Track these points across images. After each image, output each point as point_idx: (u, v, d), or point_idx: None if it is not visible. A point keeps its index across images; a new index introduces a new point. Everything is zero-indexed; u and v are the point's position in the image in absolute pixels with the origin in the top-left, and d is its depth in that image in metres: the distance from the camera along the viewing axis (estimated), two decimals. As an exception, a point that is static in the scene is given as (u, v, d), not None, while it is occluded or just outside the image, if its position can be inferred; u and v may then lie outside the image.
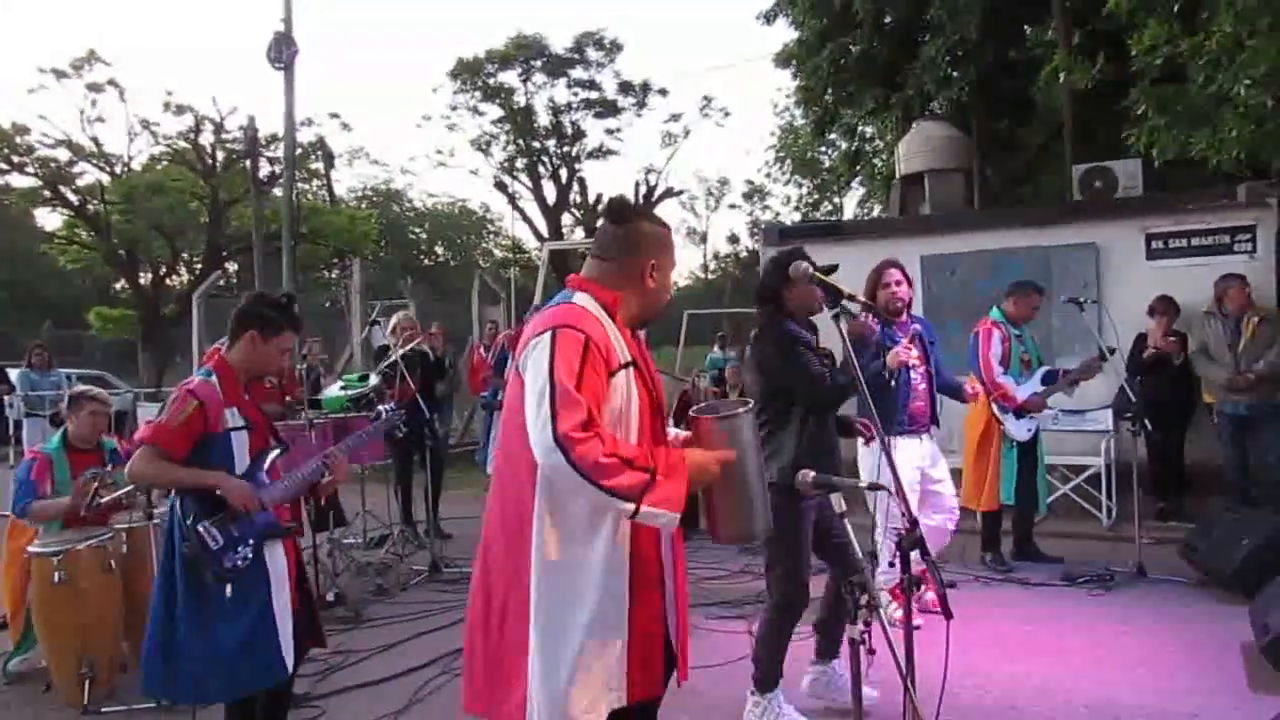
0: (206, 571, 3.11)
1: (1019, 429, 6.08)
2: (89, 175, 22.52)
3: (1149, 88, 8.19)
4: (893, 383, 4.52)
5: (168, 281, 24.83)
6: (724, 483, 2.36)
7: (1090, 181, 9.06)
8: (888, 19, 14.56)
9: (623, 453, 2.17)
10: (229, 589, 3.14)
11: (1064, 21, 12.16)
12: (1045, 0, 12.59)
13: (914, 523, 2.51)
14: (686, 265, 48.09)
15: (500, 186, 32.76)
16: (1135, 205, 8.34)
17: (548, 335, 2.26)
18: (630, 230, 2.50)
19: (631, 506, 2.16)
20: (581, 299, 2.40)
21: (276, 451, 3.41)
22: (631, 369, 2.33)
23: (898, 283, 4.97)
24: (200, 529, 3.14)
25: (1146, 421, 6.04)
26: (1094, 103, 12.07)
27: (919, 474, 5.09)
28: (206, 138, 22.63)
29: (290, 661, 3.26)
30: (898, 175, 12.30)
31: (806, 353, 3.81)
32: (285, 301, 3.51)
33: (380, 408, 4.86)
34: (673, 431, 2.62)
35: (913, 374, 4.91)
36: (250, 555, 3.18)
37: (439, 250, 41.53)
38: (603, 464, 2.12)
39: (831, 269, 4.04)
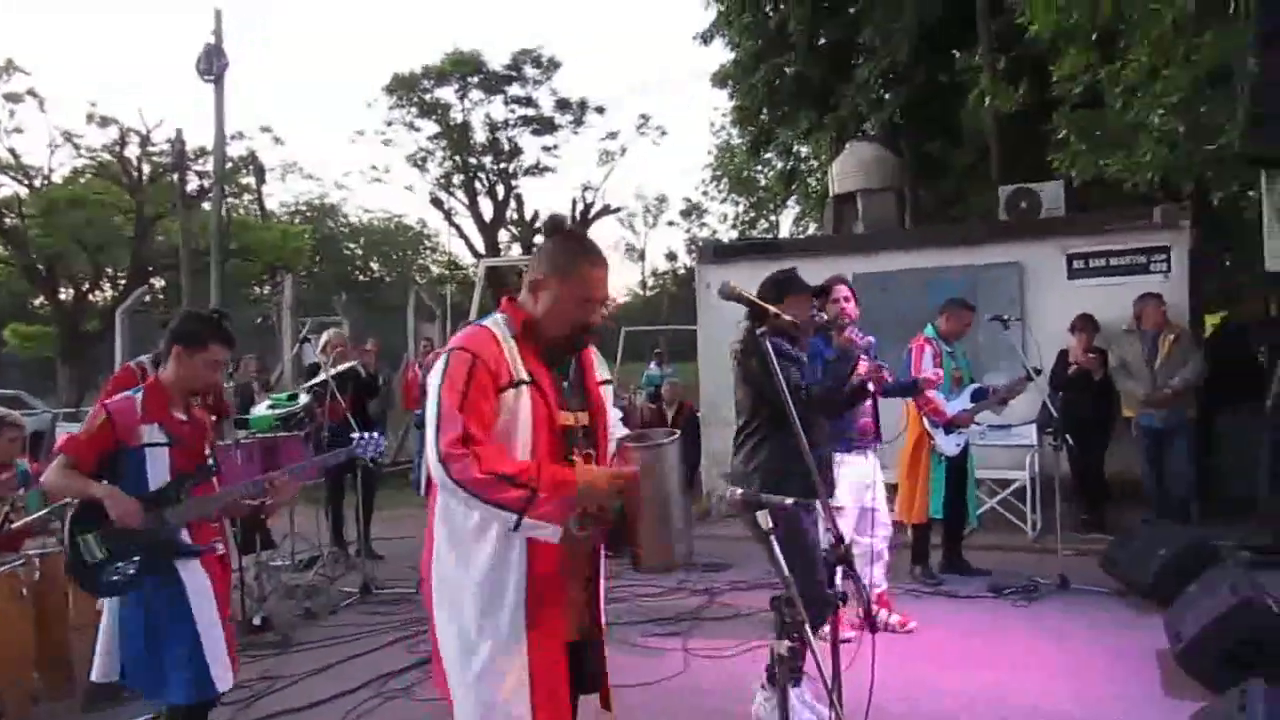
0: (77, 582, 3.11)
1: (948, 444, 6.19)
2: (6, 188, 21.91)
3: (1069, 113, 8.46)
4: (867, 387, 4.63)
5: (90, 297, 24.16)
6: (645, 510, 2.39)
7: (1016, 203, 9.31)
8: (821, 41, 14.83)
9: (501, 469, 2.23)
10: (121, 602, 3.18)
11: (990, 48, 12.51)
12: (972, 26, 12.95)
13: (840, 539, 2.54)
14: (625, 282, 48.24)
15: (436, 203, 32.58)
16: (1057, 226, 8.57)
17: (444, 357, 2.37)
18: (538, 250, 2.56)
19: (513, 519, 2.22)
20: (492, 320, 2.47)
21: (206, 471, 3.39)
22: (526, 387, 2.36)
23: (846, 299, 5.05)
24: (79, 541, 3.16)
25: (1068, 436, 6.20)
26: (1019, 126, 12.42)
27: (860, 491, 5.16)
28: (132, 151, 22.16)
29: (223, 677, 3.22)
30: (832, 194, 12.51)
31: (788, 365, 3.88)
32: (213, 317, 3.50)
33: (356, 435, 4.71)
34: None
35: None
36: (133, 572, 3.16)
37: (374, 266, 41.05)
38: (479, 479, 2.21)
39: (821, 290, 4.18)
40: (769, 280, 4.22)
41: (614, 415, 2.67)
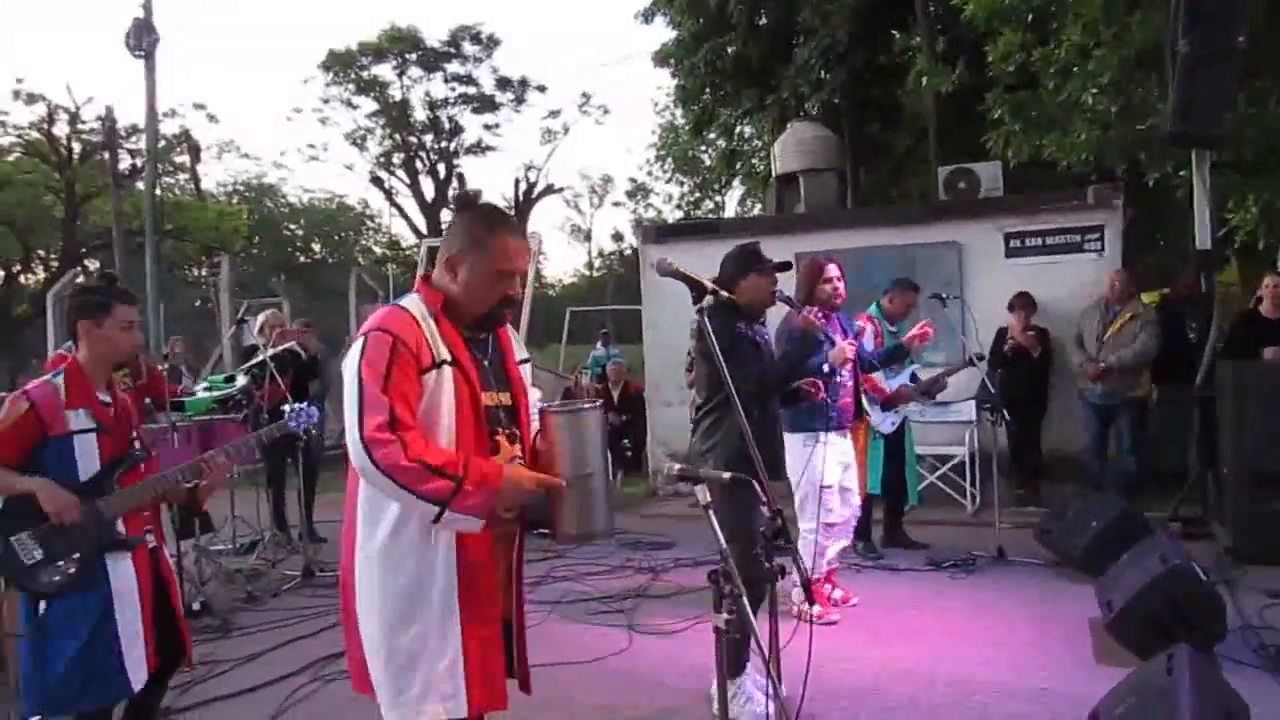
0: (19, 587, 2.97)
1: (883, 421, 6.28)
2: (-73, 166, 21.11)
3: (1004, 94, 8.59)
4: (835, 377, 4.69)
5: (20, 280, 23.44)
6: (564, 479, 2.36)
7: (954, 183, 9.43)
8: (762, 21, 14.86)
9: (428, 459, 2.17)
10: (44, 605, 3.00)
11: (927, 29, 12.64)
12: (910, 7, 13.07)
13: (777, 513, 2.57)
14: (570, 263, 48.06)
15: (377, 181, 32.24)
16: (994, 206, 8.72)
17: (360, 340, 2.29)
18: (450, 226, 2.51)
19: (435, 510, 2.18)
20: (408, 300, 2.41)
21: (133, 458, 3.25)
22: (448, 367, 2.31)
23: (839, 278, 5.08)
24: (14, 541, 2.99)
25: (1005, 412, 6.33)
26: (957, 107, 12.59)
27: (843, 469, 5.21)
28: (61, 128, 21.44)
29: (138, 678, 3.10)
30: (774, 175, 12.56)
31: (743, 344, 3.89)
32: (104, 280, 3.39)
33: (287, 407, 4.60)
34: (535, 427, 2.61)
35: (841, 370, 4.97)
36: (74, 570, 3.01)
37: (315, 247, 40.38)
38: (404, 467, 2.15)
39: (785, 265, 4.15)
40: (729, 255, 4.13)
41: (534, 395, 2.63)
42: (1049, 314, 7.89)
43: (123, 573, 3.11)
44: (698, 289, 2.73)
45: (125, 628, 3.07)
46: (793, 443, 4.82)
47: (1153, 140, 7.81)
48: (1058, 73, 7.75)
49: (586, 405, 2.46)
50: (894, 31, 14.61)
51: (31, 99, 21.08)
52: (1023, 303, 7.79)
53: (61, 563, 3.01)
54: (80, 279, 16.36)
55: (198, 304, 21.53)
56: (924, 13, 12.56)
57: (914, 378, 6.43)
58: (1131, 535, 5.28)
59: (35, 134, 21.63)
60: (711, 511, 2.32)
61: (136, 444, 3.30)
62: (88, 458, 3.09)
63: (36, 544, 3.00)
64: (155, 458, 3.48)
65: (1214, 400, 6.59)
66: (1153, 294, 9.52)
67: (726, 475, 2.53)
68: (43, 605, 3.01)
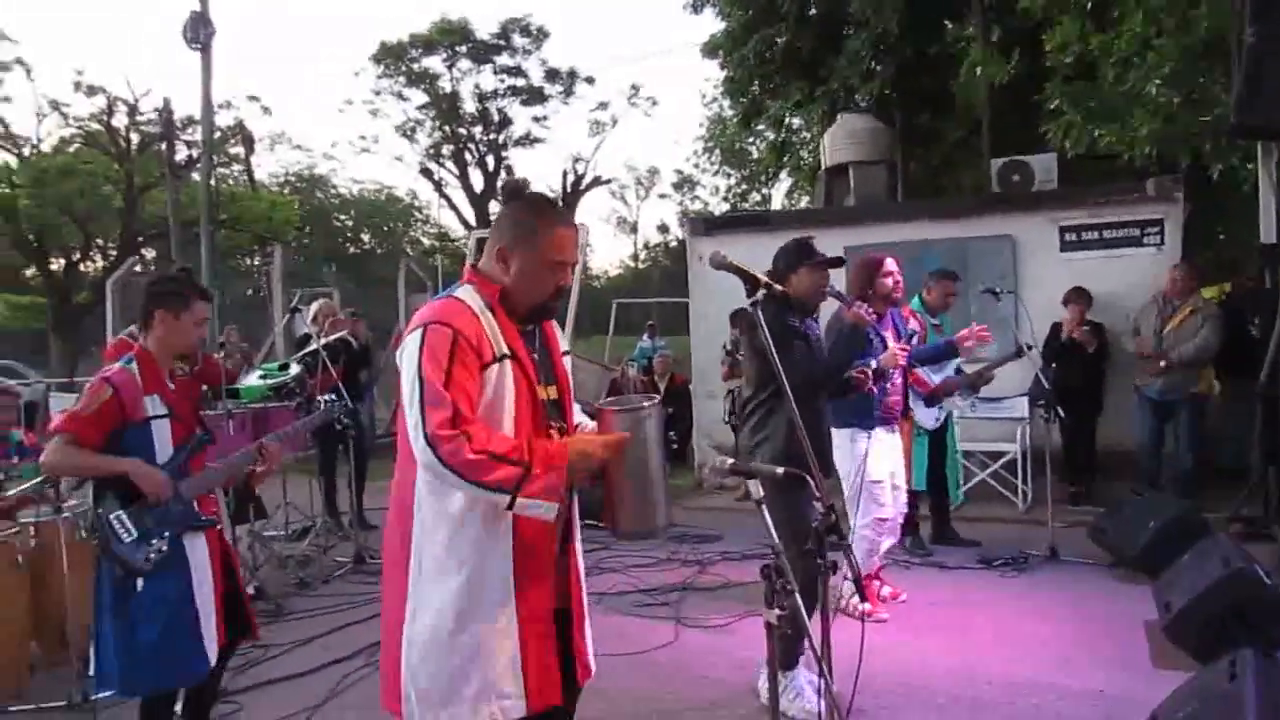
0: (117, 564, 3.04)
1: (927, 417, 6.19)
2: (-5, 158, 21.69)
3: (1062, 84, 8.42)
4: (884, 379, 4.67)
5: (81, 268, 24.00)
6: (624, 476, 2.35)
7: (1008, 175, 9.26)
8: (812, 12, 14.72)
9: (494, 448, 2.15)
10: (141, 583, 3.08)
11: (982, 18, 12.44)
12: (963, -4, 12.89)
13: (830, 509, 2.54)
14: (616, 254, 48.06)
15: (426, 173, 32.50)
16: (1049, 198, 8.55)
17: (418, 332, 2.26)
18: (499, 217, 2.48)
19: (506, 499, 2.16)
20: (463, 291, 2.37)
21: (201, 441, 3.35)
22: (508, 361, 2.29)
23: (898, 273, 5.05)
24: (112, 519, 3.08)
25: (1059, 409, 6.23)
26: (1011, 97, 12.38)
27: (891, 464, 5.16)
28: (120, 120, 21.95)
29: (213, 656, 3.21)
30: (823, 167, 12.44)
31: (793, 338, 3.87)
32: (183, 273, 3.48)
33: (321, 398, 4.70)
34: (583, 420, 2.61)
35: (892, 370, 4.88)
36: (165, 548, 3.11)
37: (364, 238, 40.84)
38: (471, 460, 2.12)
39: (838, 261, 4.13)
40: (782, 249, 4.10)
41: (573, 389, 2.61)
42: (1105, 309, 7.73)
43: (199, 553, 3.21)
44: (752, 282, 2.70)
45: (204, 607, 3.17)
46: (841, 438, 4.81)
47: (1217, 132, 7.61)
48: (1118, 63, 7.56)
49: (647, 405, 2.42)
50: (946, 21, 14.41)
51: (91, 91, 21.66)
52: (1077, 297, 7.64)
53: (155, 541, 3.11)
54: (138, 268, 16.71)
55: (249, 293, 21.88)
56: (979, 2, 12.35)
57: (959, 370, 6.34)
58: (1191, 536, 5.17)
59: (95, 125, 22.15)
60: (764, 507, 2.31)
61: (200, 429, 3.38)
62: (163, 442, 3.20)
63: (130, 523, 3.10)
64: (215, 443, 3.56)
65: (1278, 398, 6.41)
66: (1211, 289, 9.31)
67: (780, 470, 2.51)
68: (139, 583, 3.09)
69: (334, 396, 4.67)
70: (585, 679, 2.57)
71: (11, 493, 4.51)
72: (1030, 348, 6.39)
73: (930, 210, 9.37)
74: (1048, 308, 7.73)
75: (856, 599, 4.22)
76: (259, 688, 4.38)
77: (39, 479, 4.40)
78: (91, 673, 3.31)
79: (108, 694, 3.30)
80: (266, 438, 3.58)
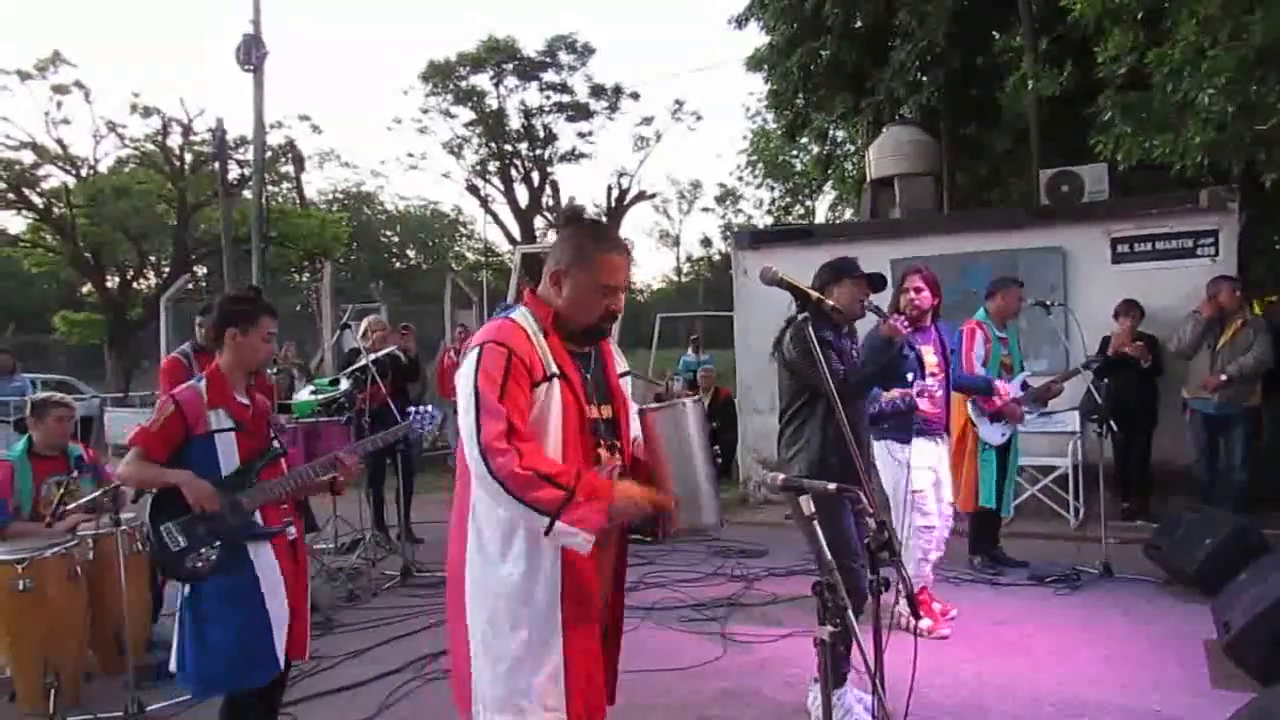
0: (163, 570, 3.14)
1: (993, 433, 6.04)
2: (54, 178, 22.29)
3: (1115, 95, 8.30)
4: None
5: (135, 285, 24.56)
6: (670, 475, 2.38)
7: (1057, 186, 9.15)
8: (857, 24, 14.66)
9: (542, 468, 2.21)
10: (189, 589, 3.20)
11: (1031, 29, 12.31)
12: (1012, 7, 12.74)
13: (881, 524, 2.52)
14: (659, 268, 48.14)
15: (472, 189, 32.77)
16: (1100, 210, 8.44)
17: (475, 351, 2.35)
18: (557, 240, 2.57)
19: (546, 521, 2.20)
20: (519, 314, 2.46)
21: (274, 454, 3.44)
22: (558, 380, 2.36)
23: (918, 289, 5.02)
24: (162, 530, 3.19)
25: (1112, 423, 6.12)
26: (1059, 108, 12.22)
27: (934, 475, 5.08)
28: (174, 140, 22.46)
29: (281, 660, 3.27)
30: (868, 179, 12.37)
31: (829, 352, 3.87)
32: (252, 292, 3.59)
33: (413, 408, 4.68)
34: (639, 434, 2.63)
35: (930, 379, 4.91)
36: (215, 558, 3.19)
37: (410, 253, 41.39)
38: (519, 475, 2.19)
39: (880, 278, 4.13)
40: (825, 266, 4.21)
41: (633, 408, 2.65)
42: (1158, 321, 7.59)
43: (265, 560, 3.28)
44: (803, 298, 2.71)
45: (275, 612, 3.25)
46: (880, 450, 4.87)
47: (1271, 140, 7.45)
48: (1170, 73, 7.44)
49: (685, 399, 2.46)
50: (993, 32, 14.27)
51: (147, 112, 22.14)
52: (1129, 310, 7.52)
53: (204, 549, 3.20)
54: (190, 285, 17.05)
55: (298, 309, 22.22)
56: (1027, 13, 12.23)
57: (1024, 386, 6.23)
58: (1249, 552, 5.08)
59: (150, 145, 22.66)
60: (816, 523, 2.30)
61: (275, 442, 3.48)
62: (228, 455, 3.29)
63: (180, 532, 3.20)
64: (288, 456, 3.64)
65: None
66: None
67: (832, 486, 2.49)
68: (187, 589, 3.21)
69: (427, 409, 4.63)
70: (612, 703, 2.60)
71: (71, 506, 4.62)
72: (1094, 362, 6.31)
73: (978, 222, 9.29)
74: (1099, 321, 7.62)
75: (911, 616, 4.19)
76: (310, 699, 4.42)
77: (98, 491, 4.50)
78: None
79: (164, 704, 3.35)
80: (347, 447, 3.67)
